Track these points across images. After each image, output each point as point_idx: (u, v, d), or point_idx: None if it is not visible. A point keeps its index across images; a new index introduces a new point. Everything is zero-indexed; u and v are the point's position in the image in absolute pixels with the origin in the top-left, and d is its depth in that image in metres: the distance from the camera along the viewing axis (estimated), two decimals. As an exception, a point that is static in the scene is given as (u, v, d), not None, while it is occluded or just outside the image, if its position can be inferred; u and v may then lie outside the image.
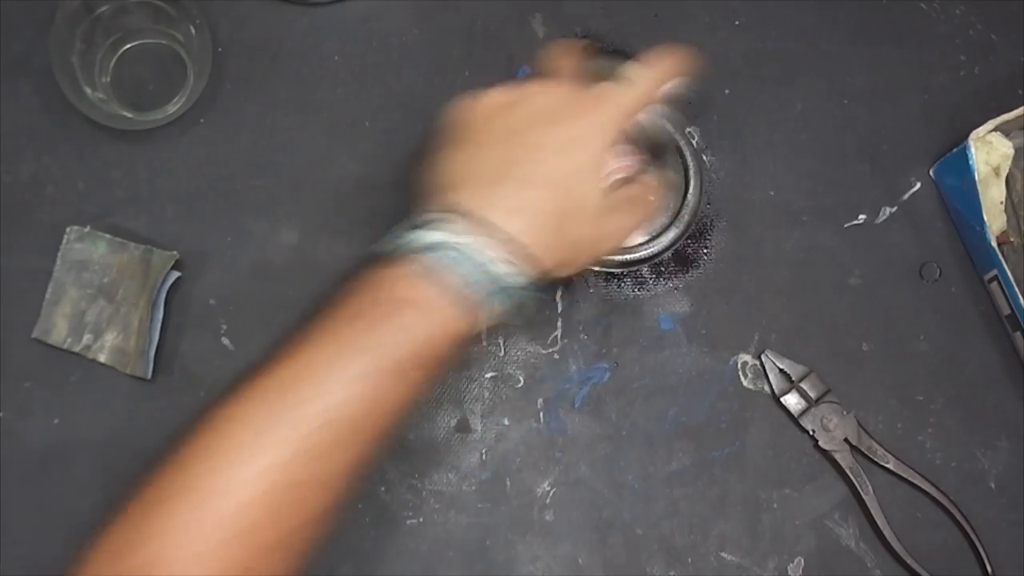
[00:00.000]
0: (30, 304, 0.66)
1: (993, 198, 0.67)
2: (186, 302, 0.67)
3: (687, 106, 0.56)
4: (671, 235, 0.68)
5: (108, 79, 0.69)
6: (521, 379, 0.67)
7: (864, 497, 0.65)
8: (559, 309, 0.68)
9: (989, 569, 0.65)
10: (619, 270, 0.69)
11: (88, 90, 0.67)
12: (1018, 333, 0.66)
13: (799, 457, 0.67)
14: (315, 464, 0.47)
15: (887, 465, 0.66)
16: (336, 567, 0.65)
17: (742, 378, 0.67)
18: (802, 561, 0.65)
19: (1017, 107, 0.66)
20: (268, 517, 0.45)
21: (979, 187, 0.65)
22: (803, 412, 0.66)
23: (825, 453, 0.66)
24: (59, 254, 0.66)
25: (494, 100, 0.54)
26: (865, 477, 0.65)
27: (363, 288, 0.50)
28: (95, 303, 0.66)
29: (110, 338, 0.66)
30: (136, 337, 0.65)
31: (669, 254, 0.69)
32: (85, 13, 0.67)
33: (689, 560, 0.65)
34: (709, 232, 0.69)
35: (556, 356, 0.68)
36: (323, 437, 0.47)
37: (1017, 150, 0.67)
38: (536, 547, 0.65)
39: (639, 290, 0.69)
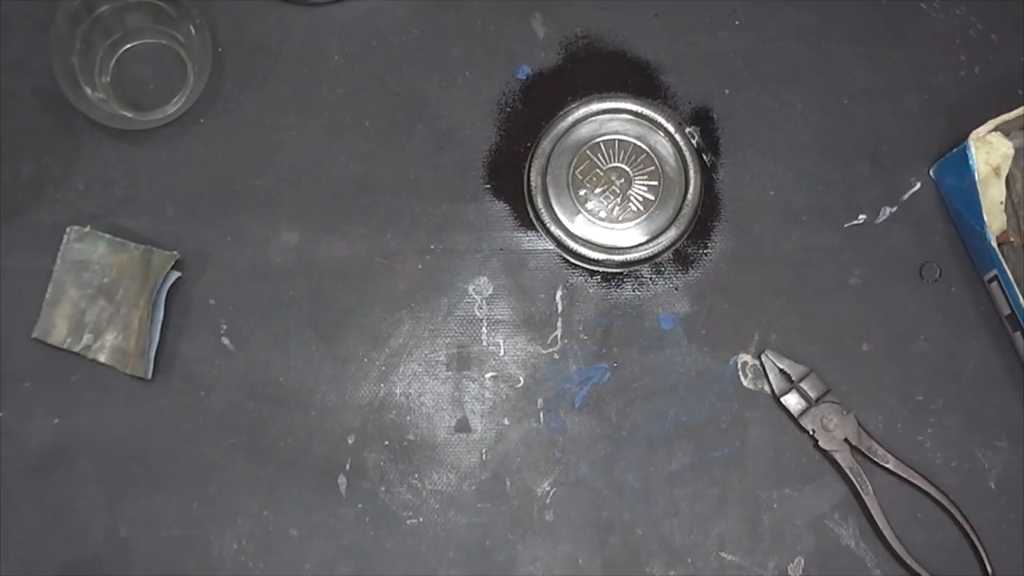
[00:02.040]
0: (30, 304, 0.66)
1: (993, 198, 0.67)
2: (186, 302, 0.67)
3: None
4: (671, 235, 0.68)
5: (108, 79, 0.69)
6: (521, 379, 0.67)
7: (864, 497, 0.65)
8: (559, 309, 0.68)
9: (989, 569, 0.65)
10: (619, 270, 0.69)
11: (88, 90, 0.67)
12: (1018, 333, 0.66)
13: (799, 457, 0.67)
14: None
15: (887, 465, 0.66)
16: (336, 567, 0.65)
17: (742, 378, 0.67)
18: (802, 561, 0.65)
19: (1017, 107, 0.65)
20: None
21: (979, 187, 0.65)
22: (803, 412, 0.66)
23: (825, 453, 0.66)
24: (59, 254, 0.66)
25: None
26: (865, 477, 0.65)
27: None
28: (95, 303, 0.66)
29: (110, 338, 0.66)
30: (136, 337, 0.65)
31: (669, 254, 0.69)
32: (85, 13, 0.67)
33: (689, 560, 0.65)
34: (709, 232, 0.69)
35: (556, 356, 0.68)
36: None
37: (1017, 150, 0.67)
38: (536, 547, 0.65)
39: (639, 290, 0.69)
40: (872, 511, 0.65)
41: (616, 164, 0.69)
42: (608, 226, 0.69)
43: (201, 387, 0.66)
